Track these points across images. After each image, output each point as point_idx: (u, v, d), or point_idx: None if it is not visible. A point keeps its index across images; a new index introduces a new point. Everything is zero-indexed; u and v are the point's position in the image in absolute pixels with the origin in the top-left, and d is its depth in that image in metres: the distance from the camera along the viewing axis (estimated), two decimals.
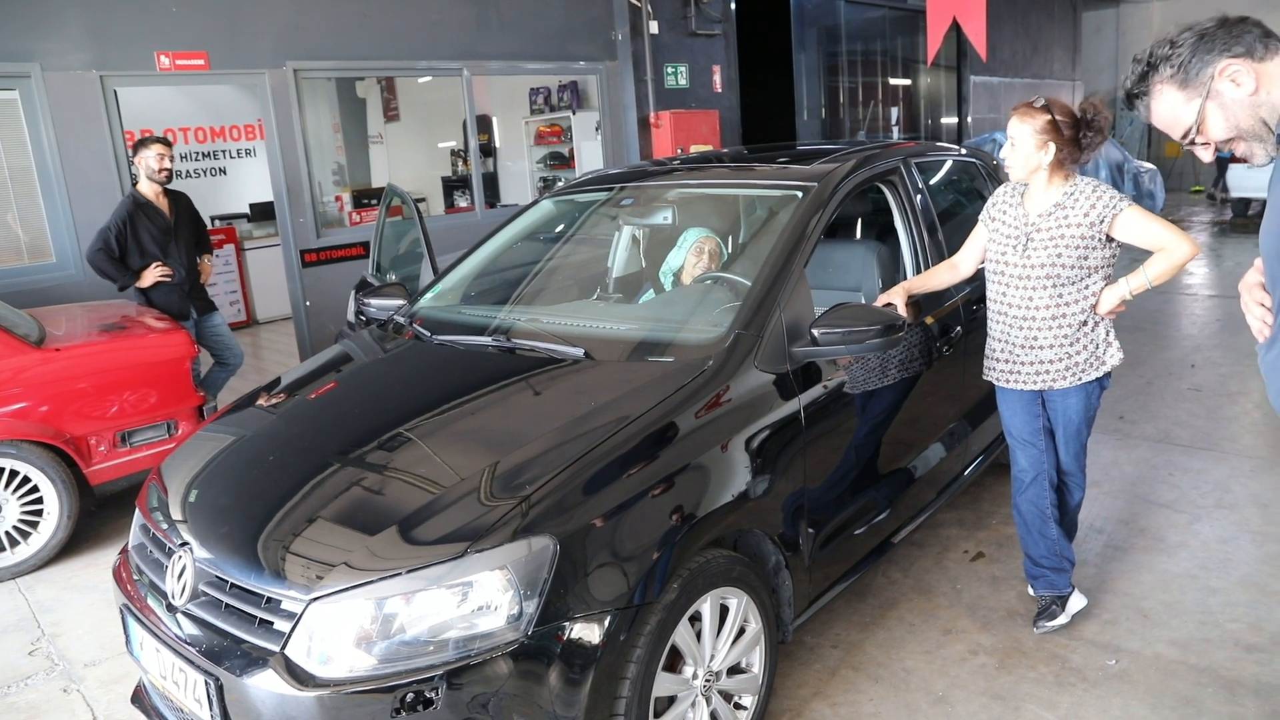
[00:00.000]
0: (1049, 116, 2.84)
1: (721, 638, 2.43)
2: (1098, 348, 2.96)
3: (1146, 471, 4.43)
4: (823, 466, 2.77)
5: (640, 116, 8.38)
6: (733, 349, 2.58)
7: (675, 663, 2.30)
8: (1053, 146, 2.84)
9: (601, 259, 3.73)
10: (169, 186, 5.38)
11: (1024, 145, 2.87)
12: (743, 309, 2.69)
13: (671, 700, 2.30)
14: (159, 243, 5.26)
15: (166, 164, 5.23)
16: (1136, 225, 2.82)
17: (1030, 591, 3.28)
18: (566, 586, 2.03)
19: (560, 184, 4.08)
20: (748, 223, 3.63)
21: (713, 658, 2.40)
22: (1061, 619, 3.13)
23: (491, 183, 10.69)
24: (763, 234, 3.31)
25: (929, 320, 3.31)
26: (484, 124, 10.76)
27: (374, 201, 10.02)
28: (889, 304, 3.04)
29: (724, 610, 2.43)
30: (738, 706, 2.54)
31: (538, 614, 1.99)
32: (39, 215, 5.91)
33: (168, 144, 5.29)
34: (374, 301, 3.72)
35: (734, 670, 2.50)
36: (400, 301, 3.58)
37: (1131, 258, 2.78)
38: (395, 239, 5.78)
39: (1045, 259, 2.88)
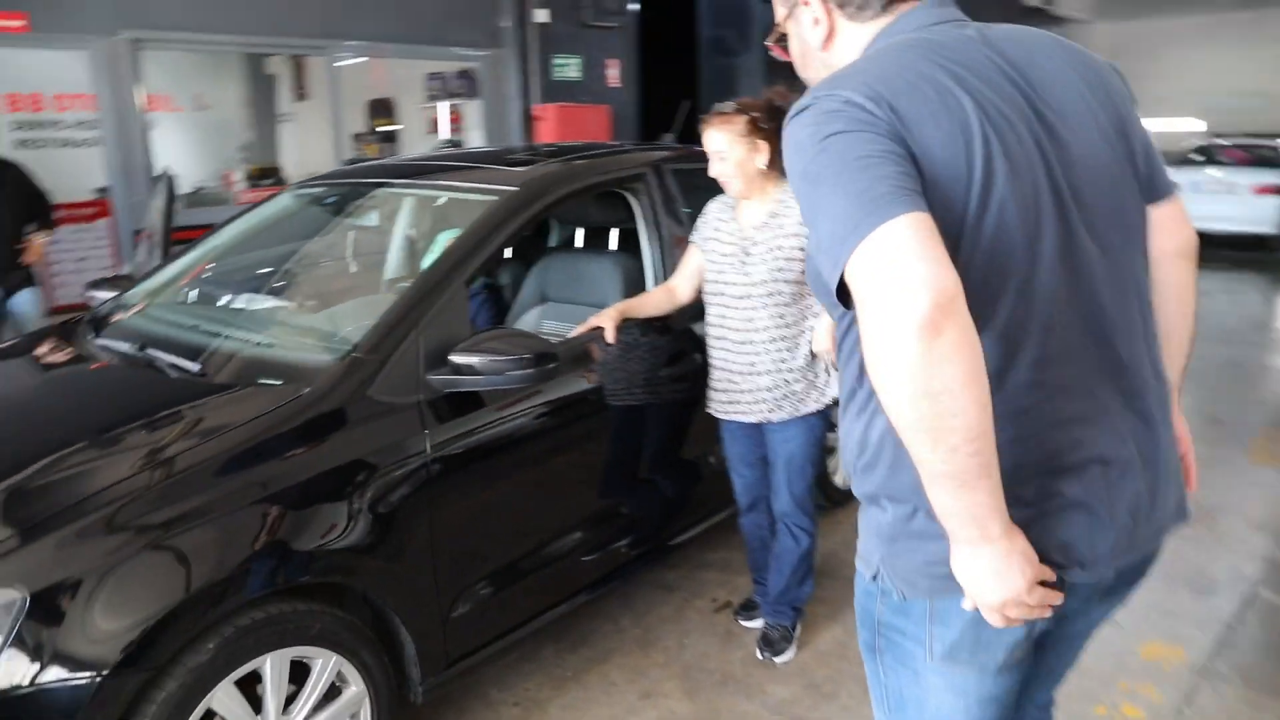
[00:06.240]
0: (746, 116, 2.60)
1: (303, 700, 2.12)
2: (818, 377, 2.73)
3: None
4: (463, 517, 2.43)
5: (524, 108, 8.04)
6: (347, 374, 2.25)
7: None
8: (764, 144, 2.61)
9: (314, 259, 3.39)
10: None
11: (734, 153, 2.63)
12: (374, 328, 2.36)
13: None
14: None
15: None
16: None
17: (756, 598, 3.18)
18: (38, 646, 1.72)
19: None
20: (448, 228, 3.31)
21: None
22: (789, 654, 2.99)
23: None
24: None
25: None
26: (387, 108, 10.38)
27: (271, 182, 9.66)
28: (597, 327, 2.76)
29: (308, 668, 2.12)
30: None
31: None
32: None
33: None
34: (98, 293, 3.40)
35: None
36: (115, 293, 3.26)
37: None
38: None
39: (765, 274, 2.66)
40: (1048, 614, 1.21)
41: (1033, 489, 1.22)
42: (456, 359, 2.31)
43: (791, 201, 2.64)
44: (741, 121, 2.59)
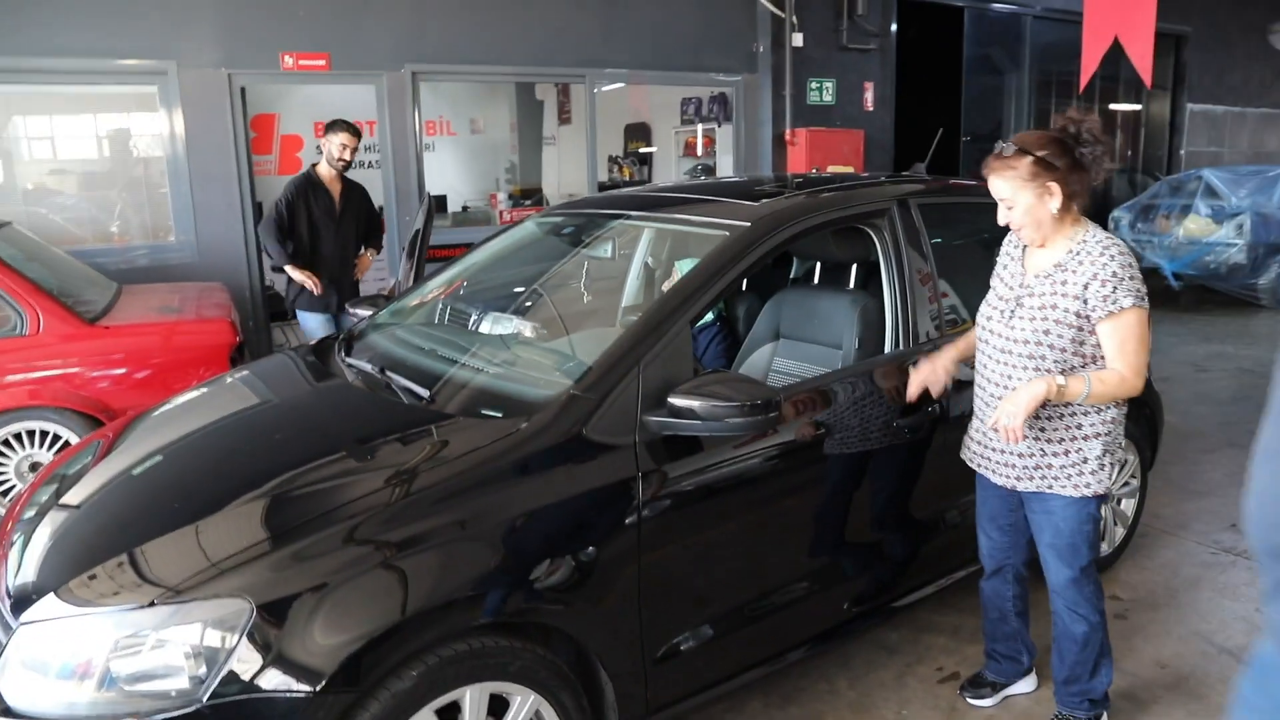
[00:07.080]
0: (1030, 157, 2.31)
1: None
2: (1085, 461, 2.43)
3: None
4: (673, 563, 2.35)
5: (776, 133, 7.94)
6: (563, 412, 2.25)
7: None
8: (1055, 186, 2.32)
9: (547, 289, 3.45)
10: (349, 176, 5.28)
11: (1021, 200, 2.36)
12: (592, 367, 2.34)
13: None
14: (320, 224, 5.18)
15: (347, 155, 5.11)
16: (1124, 333, 2.30)
17: (986, 674, 2.96)
18: (262, 655, 1.82)
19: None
20: (682, 259, 3.23)
21: None
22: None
23: None
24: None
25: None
26: (643, 132, 10.66)
27: (532, 202, 10.18)
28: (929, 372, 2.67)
29: (507, 703, 2.13)
30: None
31: (218, 680, 1.80)
32: (164, 200, 6.37)
33: (356, 134, 5.17)
34: (356, 311, 3.68)
35: None
36: (370, 312, 3.51)
37: None
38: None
39: (1029, 333, 2.40)
40: None
41: None
42: (676, 401, 2.24)
43: (1085, 252, 2.34)
44: (1025, 164, 2.31)
